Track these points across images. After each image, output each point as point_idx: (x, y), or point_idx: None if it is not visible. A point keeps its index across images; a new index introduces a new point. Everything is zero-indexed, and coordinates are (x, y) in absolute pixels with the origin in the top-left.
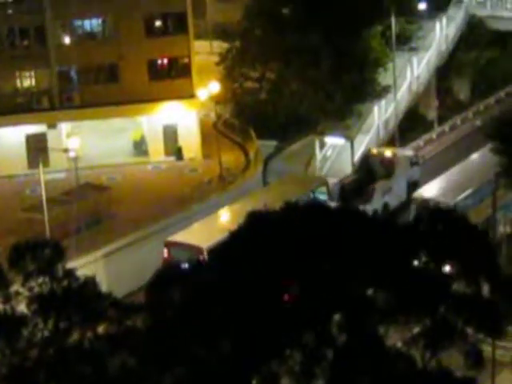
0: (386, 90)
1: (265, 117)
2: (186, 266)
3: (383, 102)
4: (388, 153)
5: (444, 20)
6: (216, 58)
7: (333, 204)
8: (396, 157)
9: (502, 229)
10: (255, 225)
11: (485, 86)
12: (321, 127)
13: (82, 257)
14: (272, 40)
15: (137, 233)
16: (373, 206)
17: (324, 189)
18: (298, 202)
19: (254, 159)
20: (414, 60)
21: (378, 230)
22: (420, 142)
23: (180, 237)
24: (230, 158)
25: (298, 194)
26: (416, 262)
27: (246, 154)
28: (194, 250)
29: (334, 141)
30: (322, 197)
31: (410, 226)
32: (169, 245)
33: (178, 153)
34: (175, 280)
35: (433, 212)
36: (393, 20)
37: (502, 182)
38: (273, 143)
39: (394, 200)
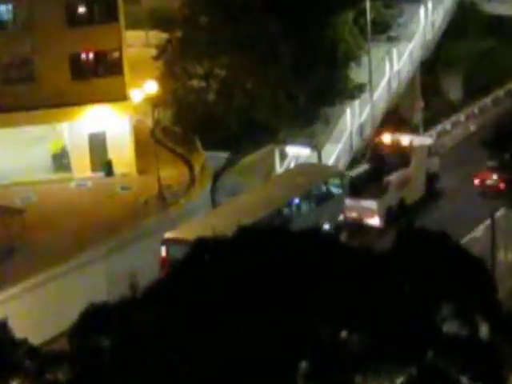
0: (360, 89)
1: (213, 123)
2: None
3: (357, 104)
4: (403, 140)
5: (430, 3)
6: (153, 52)
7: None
8: (412, 145)
9: (502, 256)
10: (201, 255)
11: (480, 84)
12: (281, 135)
13: None
14: (221, 29)
15: (56, 267)
16: (387, 202)
17: (338, 181)
18: (254, 225)
19: (201, 174)
20: (394, 52)
21: (352, 259)
22: None
23: (180, 233)
24: (171, 173)
25: (310, 185)
26: (399, 298)
27: (191, 169)
28: None
29: (297, 151)
30: (336, 190)
31: (391, 253)
32: (167, 242)
33: (108, 167)
34: (104, 322)
35: (419, 237)
36: (367, 3)
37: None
38: (223, 155)
39: (411, 195)
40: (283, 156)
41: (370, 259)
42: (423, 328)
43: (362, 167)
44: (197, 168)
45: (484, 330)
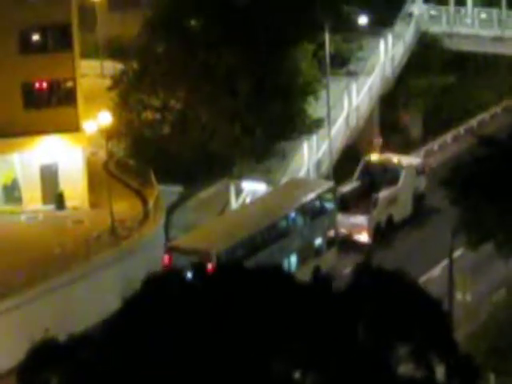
0: (317, 124)
1: (168, 156)
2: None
3: (314, 139)
4: (392, 159)
5: (390, 38)
6: (108, 82)
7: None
8: (401, 164)
9: (459, 296)
10: (154, 292)
11: (439, 120)
12: (237, 169)
13: None
14: (177, 60)
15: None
16: (376, 219)
17: (330, 196)
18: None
19: (154, 209)
20: (353, 87)
21: (307, 298)
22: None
23: (183, 241)
24: (124, 207)
25: (306, 199)
26: (353, 338)
27: (144, 203)
28: (201, 255)
29: (252, 186)
30: (328, 205)
31: (346, 293)
32: (170, 250)
33: (59, 200)
34: (53, 359)
35: (374, 276)
36: (327, 37)
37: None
38: (178, 189)
39: (398, 212)
40: (238, 191)
41: (327, 299)
42: (378, 369)
43: (352, 184)
44: (150, 202)
45: (440, 372)
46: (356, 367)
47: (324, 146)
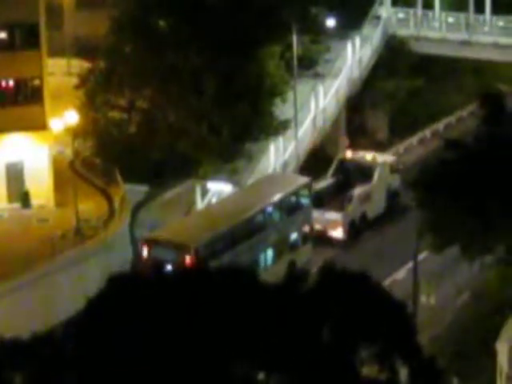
0: (284, 126)
1: (134, 155)
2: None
3: (281, 141)
4: (366, 157)
5: (357, 40)
6: (75, 80)
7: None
8: (375, 162)
9: (424, 299)
10: (118, 291)
11: (406, 123)
12: (203, 170)
13: None
14: (145, 60)
15: None
16: (350, 215)
17: (306, 192)
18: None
19: (120, 208)
20: (320, 89)
21: (271, 298)
22: None
23: (162, 233)
24: (90, 206)
25: (281, 195)
26: (317, 340)
27: (110, 202)
28: (180, 249)
29: (218, 187)
30: (304, 201)
31: (311, 294)
32: (149, 243)
33: (25, 199)
34: (16, 358)
35: (339, 278)
36: (294, 38)
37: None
38: (143, 188)
39: (372, 210)
40: (204, 191)
41: (291, 300)
42: (342, 370)
43: (327, 181)
44: (116, 201)
45: (403, 374)
46: (320, 368)
47: (291, 148)
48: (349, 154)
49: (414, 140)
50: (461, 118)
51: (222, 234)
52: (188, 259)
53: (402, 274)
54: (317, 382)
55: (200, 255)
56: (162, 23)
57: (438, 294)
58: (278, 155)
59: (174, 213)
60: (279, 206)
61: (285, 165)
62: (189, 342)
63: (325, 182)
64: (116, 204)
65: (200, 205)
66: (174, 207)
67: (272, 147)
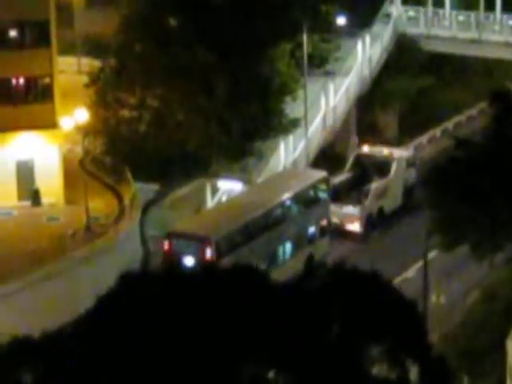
0: (294, 124)
1: (144, 154)
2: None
3: (291, 139)
4: (383, 152)
5: (367, 39)
6: (85, 79)
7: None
8: (392, 157)
9: (434, 298)
10: (129, 290)
11: (416, 122)
12: (213, 168)
13: None
14: (155, 58)
15: None
16: (368, 209)
17: (324, 186)
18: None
19: (130, 206)
20: (330, 87)
21: (280, 297)
22: None
23: (184, 226)
24: (100, 204)
25: (300, 189)
26: (327, 338)
27: (120, 200)
28: (201, 241)
29: (228, 185)
30: (322, 194)
31: (320, 292)
32: (171, 236)
33: (35, 197)
34: (27, 357)
35: (349, 276)
36: (304, 37)
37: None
38: (154, 187)
39: (389, 204)
40: (214, 190)
41: (301, 299)
42: (352, 369)
43: (344, 175)
44: (126, 199)
45: (414, 373)
46: (329, 367)
47: (301, 146)
48: (366, 148)
49: (423, 139)
50: (470, 117)
51: (241, 226)
52: (209, 252)
53: (411, 272)
54: (326, 381)
55: (221, 248)
56: (172, 22)
57: (448, 292)
58: (288, 153)
59: (184, 211)
60: (298, 199)
61: (294, 163)
62: (198, 341)
63: (342, 177)
64: (126, 202)
65: (210, 203)
66: (184, 205)
67: (282, 145)
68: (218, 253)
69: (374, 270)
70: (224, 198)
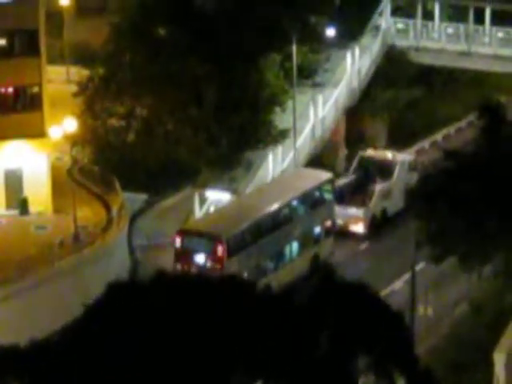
0: (283, 135)
1: (132, 163)
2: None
3: (280, 150)
4: (387, 155)
5: (357, 50)
6: (74, 88)
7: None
8: (395, 160)
9: (421, 310)
10: (116, 299)
11: (404, 133)
12: (201, 178)
13: None
14: (144, 68)
15: None
16: (371, 211)
17: (329, 187)
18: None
19: (118, 216)
20: (319, 98)
21: (269, 308)
22: None
23: (195, 224)
24: (88, 213)
25: (306, 189)
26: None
27: (108, 209)
28: (212, 239)
29: (217, 196)
30: (327, 196)
31: (309, 304)
32: (182, 234)
33: (23, 205)
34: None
35: (337, 287)
36: (294, 48)
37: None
38: (142, 196)
39: (392, 206)
40: (203, 200)
41: (289, 309)
42: (339, 380)
43: (348, 177)
44: (114, 209)
45: None
46: (318, 377)
47: (289, 157)
48: (370, 151)
49: (412, 150)
50: (460, 129)
51: (251, 225)
52: (220, 250)
53: (399, 285)
54: None
55: (231, 246)
56: (161, 31)
57: (435, 304)
58: (277, 164)
59: (172, 221)
60: (305, 199)
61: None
62: (185, 351)
63: (346, 179)
64: (114, 212)
65: (198, 213)
66: (172, 215)
67: (270, 156)
68: (229, 251)
69: (362, 282)
70: (212, 209)
